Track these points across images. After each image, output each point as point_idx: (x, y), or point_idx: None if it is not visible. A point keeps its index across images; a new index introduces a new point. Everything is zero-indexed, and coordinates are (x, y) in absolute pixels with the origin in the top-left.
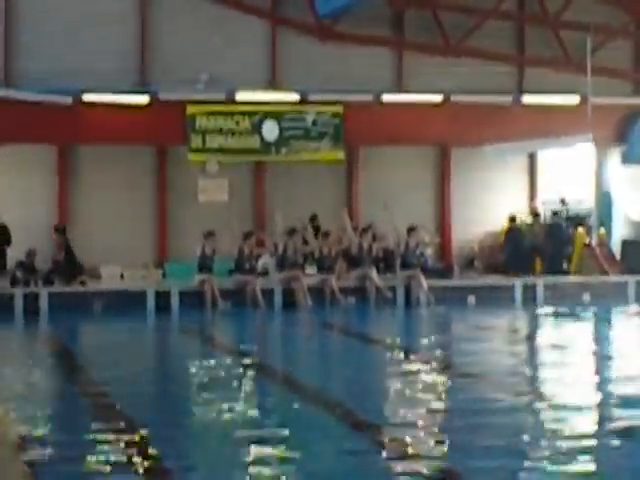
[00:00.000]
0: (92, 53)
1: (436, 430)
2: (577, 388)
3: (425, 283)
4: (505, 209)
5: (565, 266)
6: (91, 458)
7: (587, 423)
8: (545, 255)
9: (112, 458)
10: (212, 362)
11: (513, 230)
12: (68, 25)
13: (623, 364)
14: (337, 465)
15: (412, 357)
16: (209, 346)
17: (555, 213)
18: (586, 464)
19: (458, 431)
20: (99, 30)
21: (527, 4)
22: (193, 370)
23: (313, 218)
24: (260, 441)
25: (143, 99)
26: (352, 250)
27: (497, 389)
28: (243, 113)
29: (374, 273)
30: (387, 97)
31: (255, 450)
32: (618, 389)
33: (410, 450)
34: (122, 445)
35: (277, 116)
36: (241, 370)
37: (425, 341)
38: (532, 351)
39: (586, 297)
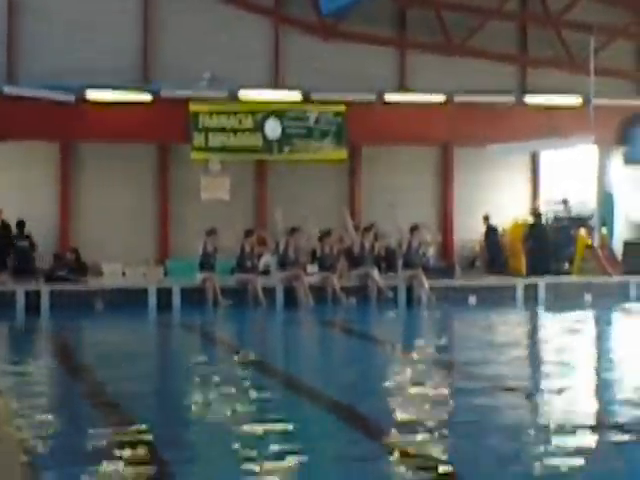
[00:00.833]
0: (95, 50)
1: (437, 430)
2: (580, 388)
3: (427, 283)
4: (507, 209)
5: (566, 267)
6: (92, 456)
7: (589, 423)
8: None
9: (112, 455)
10: (213, 360)
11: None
12: (71, 22)
13: (624, 365)
14: (337, 464)
15: (413, 357)
16: (210, 344)
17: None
18: (589, 463)
19: (460, 431)
20: (102, 27)
21: (530, 4)
22: (194, 368)
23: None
24: (261, 439)
25: (146, 97)
26: (354, 249)
27: (498, 388)
28: (246, 111)
29: (376, 272)
30: (390, 96)
31: (256, 448)
32: (620, 389)
33: (411, 450)
34: (122, 443)
35: (280, 115)
36: (242, 368)
37: (426, 341)
38: (534, 352)
39: (588, 298)
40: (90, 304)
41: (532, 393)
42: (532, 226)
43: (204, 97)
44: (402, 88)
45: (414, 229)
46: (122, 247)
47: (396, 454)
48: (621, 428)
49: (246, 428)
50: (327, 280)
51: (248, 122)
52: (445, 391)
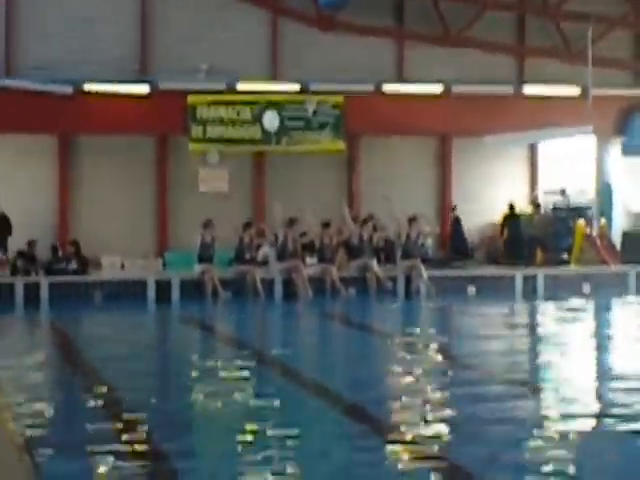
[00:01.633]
0: (93, 42)
1: (438, 421)
2: (578, 378)
3: (425, 273)
4: (506, 200)
5: (565, 257)
6: (91, 449)
7: (588, 412)
8: (545, 246)
9: (111, 448)
10: (212, 352)
11: (513, 218)
12: (68, 14)
13: (623, 354)
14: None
15: (412, 348)
16: (209, 336)
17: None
18: (584, 455)
19: (459, 422)
20: (100, 19)
21: None
22: (193, 360)
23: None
24: (260, 432)
25: (144, 89)
26: (352, 240)
27: (497, 379)
28: (244, 103)
29: (374, 263)
30: (388, 87)
31: (255, 441)
32: (618, 379)
33: (410, 440)
34: (123, 436)
35: (278, 106)
36: (241, 360)
37: (425, 332)
38: (532, 342)
39: (586, 288)
40: (89, 296)
41: (535, 385)
42: (507, 217)
43: (202, 89)
44: (400, 79)
45: (412, 220)
46: (121, 239)
47: (397, 447)
48: (627, 417)
49: (244, 420)
50: (326, 271)
51: (246, 114)
52: (444, 382)
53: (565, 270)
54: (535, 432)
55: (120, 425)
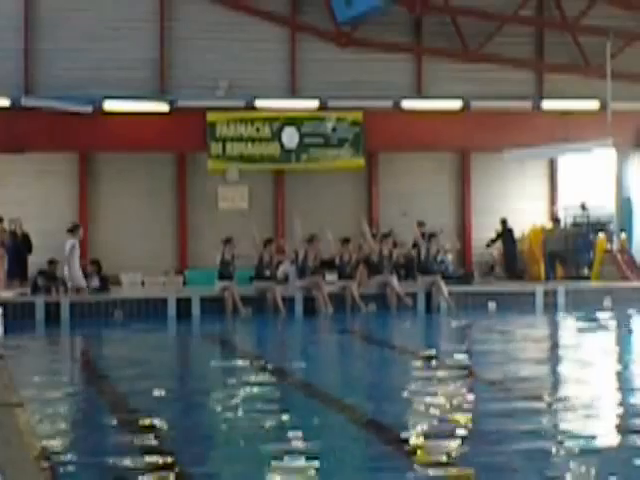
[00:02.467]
0: (112, 61)
1: (460, 437)
2: (601, 393)
3: (446, 289)
4: (525, 214)
5: (586, 272)
6: (113, 466)
7: (608, 427)
8: (565, 261)
9: (131, 464)
10: (234, 369)
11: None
12: (88, 33)
13: None
14: (356, 471)
15: (434, 364)
16: (230, 353)
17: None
18: (608, 468)
19: (483, 438)
20: (119, 38)
21: (546, 9)
22: (214, 377)
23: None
24: (282, 450)
25: (163, 107)
26: (372, 257)
27: (519, 394)
28: (263, 120)
29: (394, 280)
30: (406, 103)
31: (277, 458)
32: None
33: (433, 457)
34: (143, 453)
35: (297, 123)
36: (262, 378)
37: (446, 348)
38: (555, 357)
39: (607, 302)
40: (110, 314)
41: (555, 400)
42: (501, 232)
43: (221, 106)
44: (419, 95)
45: (432, 236)
46: (141, 257)
47: (418, 461)
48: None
49: (267, 438)
50: (346, 288)
51: (265, 131)
52: (465, 398)
53: (586, 285)
54: (558, 447)
55: (141, 442)
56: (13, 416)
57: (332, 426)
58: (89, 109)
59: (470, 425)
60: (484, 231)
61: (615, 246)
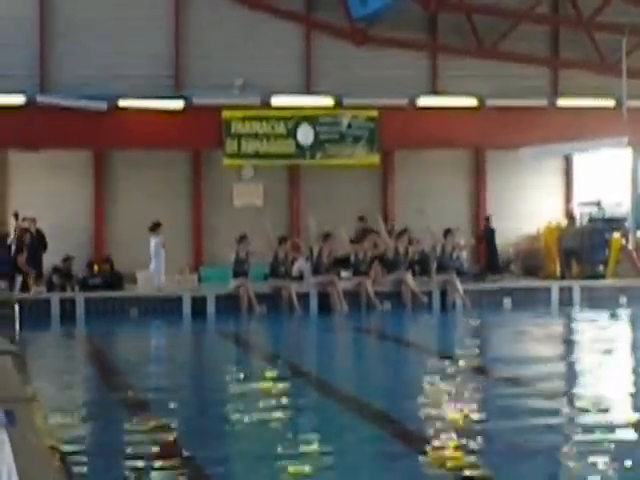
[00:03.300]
0: (127, 59)
1: (476, 435)
2: (616, 391)
3: (461, 287)
4: (541, 212)
5: (601, 269)
6: (129, 466)
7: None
8: (581, 258)
9: (146, 461)
10: (248, 366)
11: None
12: (103, 31)
13: None
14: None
15: (450, 362)
16: (245, 350)
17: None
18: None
19: (496, 436)
20: (134, 36)
21: (561, 6)
22: (230, 374)
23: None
24: (299, 446)
25: (178, 104)
26: (388, 254)
27: (536, 393)
28: (278, 118)
29: (410, 277)
30: (422, 101)
31: (293, 456)
32: None
33: (448, 454)
34: (158, 450)
35: (312, 120)
36: (277, 374)
37: (462, 346)
38: (570, 355)
39: (622, 300)
40: (125, 312)
41: (571, 398)
42: (485, 230)
43: (236, 104)
44: (434, 92)
45: (448, 233)
46: None
47: (434, 460)
48: None
49: (281, 436)
50: (361, 285)
51: (280, 128)
52: (481, 396)
53: (601, 283)
54: (571, 446)
55: (154, 438)
56: (28, 411)
57: (346, 423)
58: (104, 107)
59: (485, 423)
60: (499, 228)
61: (631, 243)
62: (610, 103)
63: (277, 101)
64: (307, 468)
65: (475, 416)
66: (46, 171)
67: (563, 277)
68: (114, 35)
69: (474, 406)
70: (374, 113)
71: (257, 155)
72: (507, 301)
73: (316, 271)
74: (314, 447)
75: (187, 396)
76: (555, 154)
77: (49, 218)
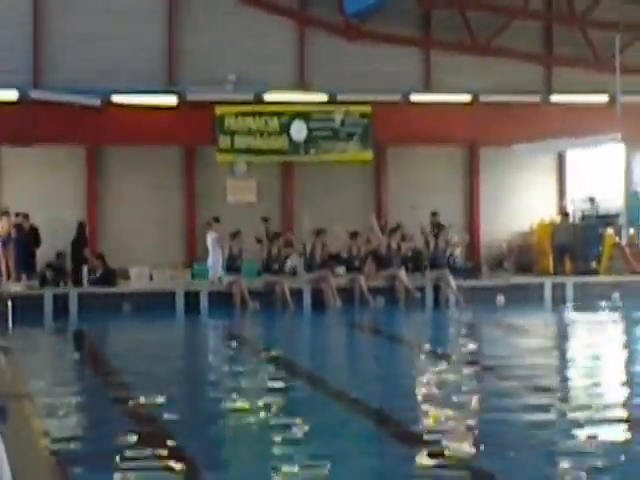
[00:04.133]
0: (120, 54)
1: (468, 431)
2: (609, 387)
3: (454, 283)
4: (534, 208)
5: (594, 265)
6: (118, 458)
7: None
8: (574, 254)
9: (140, 460)
10: (241, 362)
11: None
12: (96, 26)
13: None
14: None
15: (442, 358)
16: (239, 347)
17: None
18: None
19: (491, 432)
20: (127, 31)
21: (555, 3)
22: (223, 371)
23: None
24: (289, 442)
25: (171, 100)
26: (381, 250)
27: (529, 389)
28: (271, 113)
29: (403, 273)
30: (415, 97)
31: (285, 450)
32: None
33: (443, 451)
34: (152, 448)
35: (305, 116)
36: (271, 372)
37: (455, 342)
38: (563, 351)
39: (615, 296)
40: (118, 307)
41: (565, 394)
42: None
43: (230, 100)
44: (428, 88)
45: (441, 230)
46: (149, 250)
47: (428, 455)
48: None
49: (275, 431)
50: (354, 281)
51: (274, 124)
52: (475, 392)
53: (594, 279)
54: (566, 441)
55: (146, 433)
56: (21, 408)
57: (338, 420)
58: (97, 102)
59: (480, 419)
60: (492, 224)
61: (624, 240)
62: (603, 99)
63: (270, 97)
64: (298, 466)
65: (468, 412)
66: (39, 166)
67: (556, 273)
68: (108, 31)
69: (467, 402)
70: (367, 109)
71: (250, 151)
72: (500, 298)
73: (309, 267)
74: (304, 444)
75: (179, 391)
76: (549, 150)
77: (42, 214)
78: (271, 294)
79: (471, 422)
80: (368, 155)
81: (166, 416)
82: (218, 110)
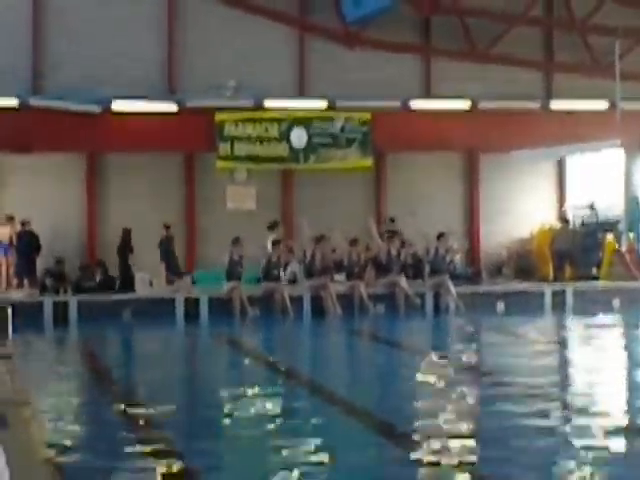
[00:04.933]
0: (120, 61)
1: (469, 438)
2: (610, 395)
3: (454, 289)
4: (534, 215)
5: (594, 271)
6: (119, 463)
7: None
8: (574, 260)
9: (138, 464)
10: (241, 370)
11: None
12: (96, 34)
13: None
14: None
15: (442, 365)
16: (238, 354)
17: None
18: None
19: (491, 439)
20: (127, 38)
21: (555, 9)
22: (222, 378)
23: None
24: (288, 448)
25: (171, 107)
26: (381, 257)
27: (530, 397)
28: (271, 120)
29: (403, 280)
30: (415, 103)
31: (282, 457)
32: None
33: (441, 458)
34: (151, 453)
35: (305, 123)
36: (270, 378)
37: (455, 349)
38: (563, 358)
39: (616, 303)
40: (118, 314)
41: (565, 400)
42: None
43: (230, 106)
44: (427, 95)
45: (441, 236)
46: (149, 257)
47: (428, 462)
48: None
49: (273, 437)
50: (354, 288)
51: (274, 131)
52: (474, 399)
53: (594, 285)
54: (567, 447)
55: (147, 441)
56: (20, 414)
57: (338, 427)
58: (97, 109)
59: (478, 427)
60: (492, 231)
61: (624, 246)
62: (603, 106)
63: (270, 104)
64: (297, 472)
65: (468, 418)
66: (39, 173)
67: (556, 279)
68: (107, 38)
69: (467, 408)
70: (367, 116)
71: (250, 158)
72: (500, 304)
73: (309, 274)
74: (303, 450)
75: (179, 398)
76: (548, 156)
77: (42, 220)
78: (271, 301)
79: (471, 428)
80: (368, 162)
81: (166, 423)
82: (218, 117)
